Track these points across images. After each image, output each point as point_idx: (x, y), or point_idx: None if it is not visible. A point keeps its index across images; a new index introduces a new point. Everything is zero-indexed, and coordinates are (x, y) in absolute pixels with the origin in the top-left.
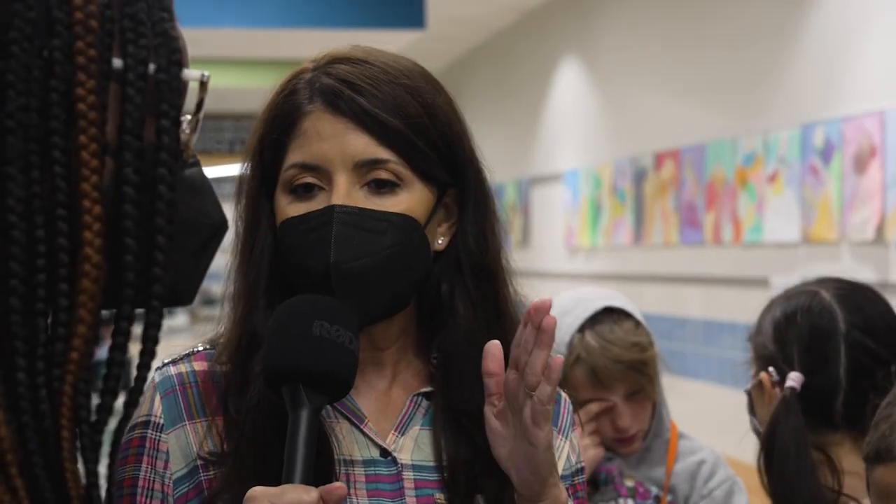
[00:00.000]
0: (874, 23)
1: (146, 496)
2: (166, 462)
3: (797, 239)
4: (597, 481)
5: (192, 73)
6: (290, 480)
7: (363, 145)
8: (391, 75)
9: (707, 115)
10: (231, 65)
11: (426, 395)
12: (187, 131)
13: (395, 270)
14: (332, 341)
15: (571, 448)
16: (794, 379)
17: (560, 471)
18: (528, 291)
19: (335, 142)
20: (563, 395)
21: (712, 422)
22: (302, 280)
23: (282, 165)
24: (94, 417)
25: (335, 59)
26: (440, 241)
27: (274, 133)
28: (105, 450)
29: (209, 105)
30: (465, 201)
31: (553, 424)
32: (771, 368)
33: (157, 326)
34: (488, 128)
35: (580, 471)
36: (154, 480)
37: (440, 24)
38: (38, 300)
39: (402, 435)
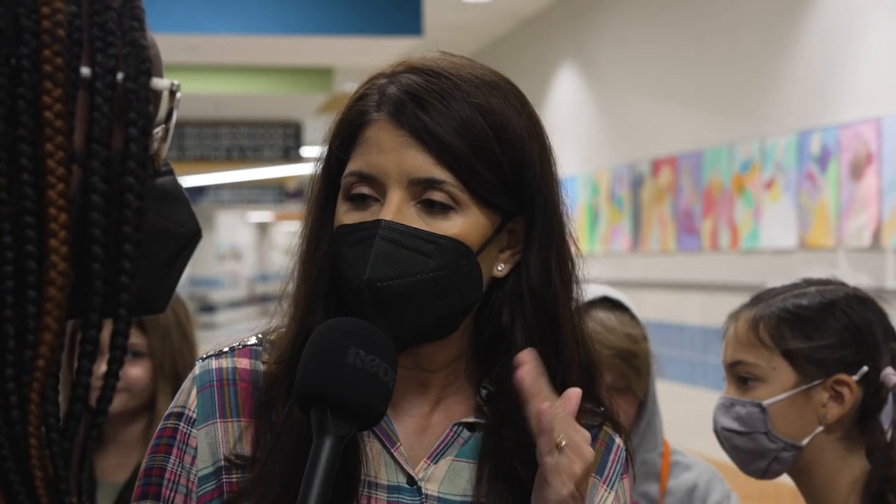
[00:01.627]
0: (871, 30)
1: (171, 489)
2: (193, 458)
3: (794, 245)
4: None
5: (161, 83)
6: None
7: (420, 163)
8: (464, 91)
9: (704, 122)
10: (228, 72)
11: (468, 426)
12: (158, 140)
13: (436, 296)
14: (366, 371)
15: (616, 500)
16: (894, 374)
17: None
18: None
19: (393, 155)
20: (618, 440)
21: (709, 429)
22: (345, 291)
23: (343, 170)
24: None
25: (409, 69)
26: (500, 268)
27: (341, 136)
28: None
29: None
30: (531, 230)
31: (598, 473)
32: (840, 374)
33: (125, 335)
34: None
35: None
36: (180, 475)
37: (437, 32)
38: (6, 307)
39: (434, 464)
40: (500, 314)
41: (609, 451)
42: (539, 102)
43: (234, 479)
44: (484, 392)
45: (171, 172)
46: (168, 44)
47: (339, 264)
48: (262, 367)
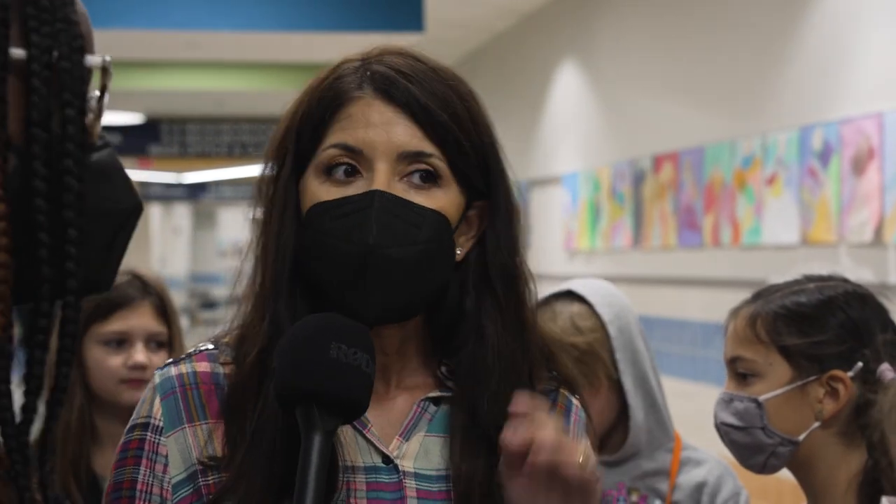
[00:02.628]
0: (872, 25)
1: (144, 500)
2: (165, 466)
3: (796, 241)
4: None
5: (94, 59)
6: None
7: (410, 136)
8: (440, 75)
9: (705, 117)
10: (229, 68)
11: (433, 401)
12: (92, 115)
13: (424, 267)
14: (349, 364)
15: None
16: (890, 370)
17: None
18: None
19: (382, 129)
20: (575, 402)
21: (712, 424)
22: (332, 265)
23: (317, 147)
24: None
25: (386, 52)
26: (458, 252)
27: (316, 114)
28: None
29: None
30: (495, 213)
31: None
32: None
33: (76, 321)
34: None
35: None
36: (153, 484)
37: (439, 28)
38: None
39: (407, 441)
40: (461, 297)
41: (569, 413)
42: (540, 98)
43: (210, 481)
44: (444, 368)
45: (107, 145)
46: (169, 40)
47: (323, 240)
48: (221, 370)
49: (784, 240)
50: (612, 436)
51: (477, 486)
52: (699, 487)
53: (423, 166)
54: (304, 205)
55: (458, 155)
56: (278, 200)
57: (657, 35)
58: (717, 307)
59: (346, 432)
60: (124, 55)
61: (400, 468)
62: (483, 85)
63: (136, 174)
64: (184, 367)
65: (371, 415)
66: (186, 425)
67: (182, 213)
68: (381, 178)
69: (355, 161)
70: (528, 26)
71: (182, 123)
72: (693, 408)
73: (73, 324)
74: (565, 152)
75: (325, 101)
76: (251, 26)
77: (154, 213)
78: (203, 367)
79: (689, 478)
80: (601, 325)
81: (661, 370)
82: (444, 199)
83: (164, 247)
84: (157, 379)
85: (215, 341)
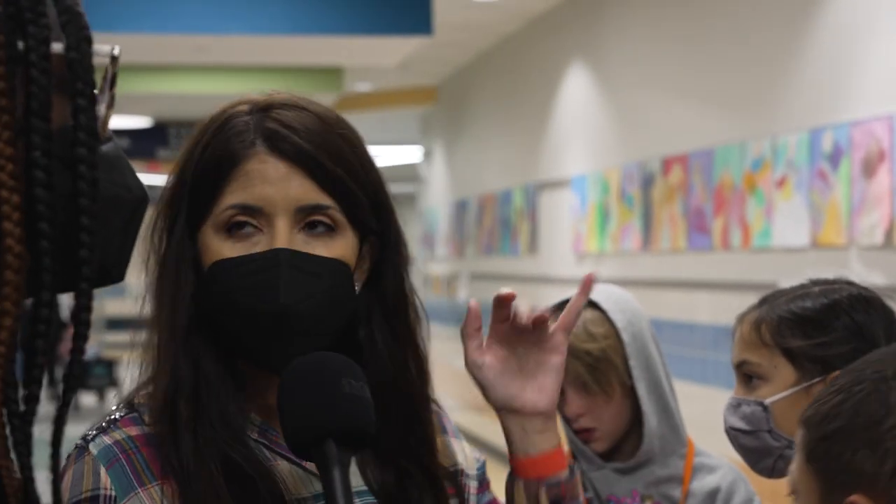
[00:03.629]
0: (882, 27)
1: None
2: None
3: (806, 244)
4: None
5: (103, 48)
6: None
7: (305, 190)
8: (328, 125)
9: (715, 119)
10: (238, 72)
11: None
12: (103, 108)
13: (331, 312)
14: (361, 397)
15: (467, 445)
16: None
17: (475, 468)
18: (536, 297)
19: (279, 185)
20: (438, 404)
21: (721, 427)
22: (244, 323)
23: (214, 204)
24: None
25: (274, 104)
26: (356, 287)
27: (209, 170)
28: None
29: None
30: (387, 247)
31: (444, 433)
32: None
33: (88, 310)
34: (496, 133)
35: (484, 465)
36: None
37: (447, 31)
38: None
39: None
40: (355, 328)
41: (440, 415)
42: (548, 101)
43: None
44: None
45: (111, 138)
46: (177, 44)
47: (232, 298)
48: (148, 430)
49: (794, 242)
50: (626, 442)
51: (395, 493)
52: (712, 494)
53: (321, 218)
54: (205, 260)
55: (352, 202)
56: (173, 255)
57: (666, 37)
58: (727, 310)
59: (282, 468)
60: (133, 59)
61: None
62: (491, 88)
63: (145, 178)
64: (116, 435)
65: None
66: (139, 489)
67: None
68: (282, 234)
69: (254, 219)
70: (537, 29)
71: (190, 127)
72: (702, 411)
73: (87, 312)
74: (574, 155)
75: (218, 159)
76: (259, 30)
77: None
78: (134, 431)
79: (702, 484)
80: (614, 332)
81: (671, 373)
82: (342, 246)
83: None
84: (93, 451)
85: (128, 404)
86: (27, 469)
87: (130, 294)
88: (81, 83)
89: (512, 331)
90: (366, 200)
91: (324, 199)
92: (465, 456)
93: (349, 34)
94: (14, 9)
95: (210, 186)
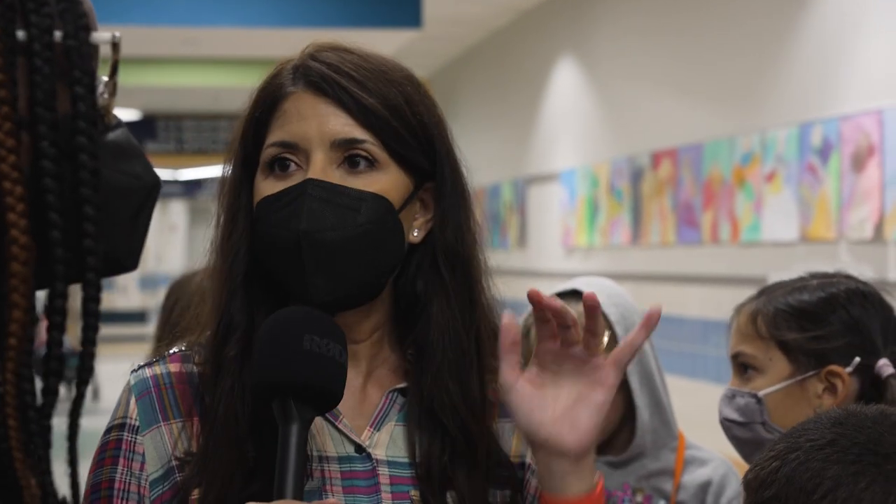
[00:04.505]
0: (872, 21)
1: (122, 498)
2: (142, 464)
3: (795, 238)
4: None
5: (102, 36)
6: (281, 495)
7: (341, 125)
8: (371, 64)
9: (704, 114)
10: (227, 64)
11: (401, 392)
12: (106, 95)
13: (367, 249)
14: (323, 355)
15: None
16: (889, 365)
17: (529, 456)
18: (525, 291)
19: (314, 121)
20: None
21: (711, 421)
22: (275, 255)
23: (261, 147)
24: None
25: (319, 48)
26: (415, 234)
27: (256, 115)
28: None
29: (205, 105)
30: (442, 194)
31: (506, 416)
32: (833, 364)
33: (97, 300)
34: (485, 127)
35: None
36: (130, 482)
37: (437, 24)
38: None
39: (378, 431)
40: (414, 280)
41: None
42: (538, 95)
43: (185, 473)
44: (410, 357)
45: (121, 125)
46: (167, 36)
47: (267, 232)
48: (195, 370)
49: (783, 237)
50: (618, 436)
51: (436, 470)
52: (703, 487)
53: (359, 152)
54: (255, 203)
55: (394, 138)
56: (230, 201)
57: (655, 31)
58: (716, 304)
59: (318, 424)
60: (122, 52)
61: (373, 457)
62: (481, 82)
63: None
64: (158, 369)
65: (342, 406)
66: (162, 423)
67: (178, 209)
68: (316, 167)
69: (293, 155)
70: (526, 23)
71: (178, 120)
72: (692, 404)
73: (95, 302)
74: (563, 149)
75: (262, 102)
76: (248, 23)
77: None
78: (176, 367)
79: (693, 477)
80: (608, 326)
81: (662, 367)
82: (384, 182)
83: (159, 243)
84: (131, 381)
85: (189, 343)
86: (45, 462)
87: (118, 288)
88: (79, 71)
89: (562, 352)
90: (411, 138)
91: (360, 133)
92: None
93: (339, 27)
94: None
95: (257, 129)
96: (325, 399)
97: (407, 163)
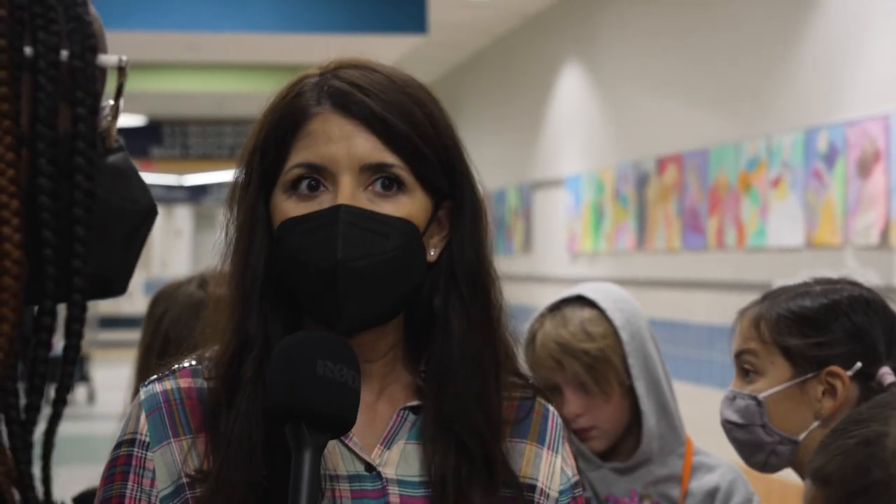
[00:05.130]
0: (877, 27)
1: None
2: (153, 480)
3: (801, 244)
4: None
5: (108, 59)
6: None
7: (371, 148)
8: (397, 84)
9: (710, 119)
10: (231, 70)
11: (413, 410)
12: (108, 118)
13: (395, 274)
14: (336, 381)
15: (564, 462)
16: (891, 374)
17: (558, 485)
18: (530, 297)
19: (343, 143)
20: (551, 409)
21: (716, 426)
22: (305, 280)
23: (283, 166)
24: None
25: (343, 65)
26: (432, 253)
27: (278, 133)
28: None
29: (209, 110)
30: (461, 212)
31: (540, 441)
32: (833, 367)
33: (81, 321)
34: (490, 133)
35: (577, 483)
36: (140, 499)
37: (442, 30)
38: None
39: (388, 449)
40: (430, 298)
41: (546, 420)
42: (543, 100)
43: (198, 493)
44: (423, 374)
45: (122, 149)
46: (170, 42)
47: (294, 255)
48: (205, 385)
49: (789, 242)
50: (624, 442)
51: (452, 488)
52: (711, 493)
53: (387, 176)
54: (275, 221)
55: (420, 162)
56: (247, 217)
57: (661, 36)
58: (722, 310)
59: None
60: (126, 62)
61: (383, 475)
62: (486, 87)
63: None
64: (168, 384)
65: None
66: (172, 440)
67: (183, 215)
68: (346, 192)
69: (320, 177)
70: (531, 28)
71: (184, 125)
72: (697, 410)
73: (79, 323)
74: (568, 154)
75: (286, 120)
76: (252, 28)
77: None
78: (186, 382)
79: (700, 484)
80: (613, 331)
81: (669, 372)
82: (410, 206)
83: (165, 249)
84: (142, 396)
85: (198, 357)
86: (27, 476)
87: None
88: (83, 92)
89: None
90: (435, 160)
91: (389, 158)
92: (551, 472)
93: (343, 32)
94: (23, 14)
95: (278, 148)
96: (339, 425)
97: (430, 185)
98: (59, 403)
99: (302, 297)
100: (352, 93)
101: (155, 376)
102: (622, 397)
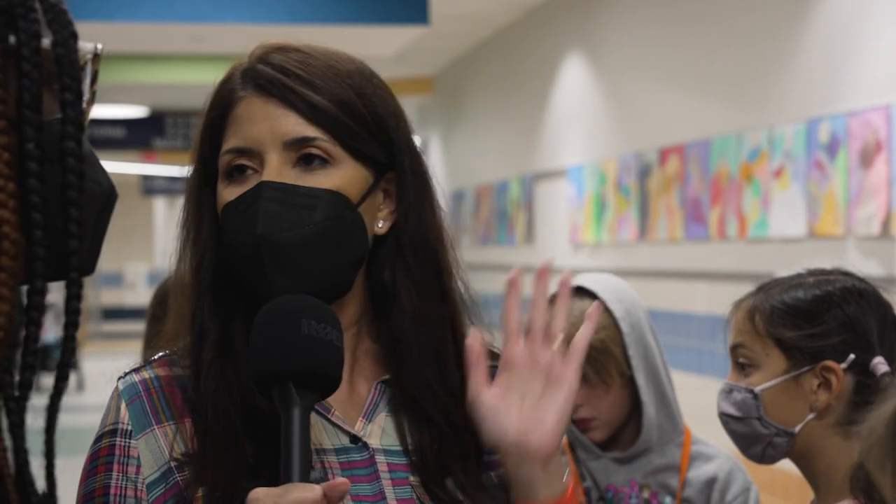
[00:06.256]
0: (879, 17)
1: (119, 503)
2: (138, 467)
3: (803, 234)
4: (605, 499)
5: (85, 46)
6: (289, 479)
7: (292, 125)
8: (321, 61)
9: (712, 110)
10: (234, 61)
11: (387, 382)
12: (84, 103)
13: (327, 246)
14: (321, 339)
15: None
16: (884, 363)
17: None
18: (532, 288)
19: (265, 124)
20: None
21: (717, 417)
22: (237, 260)
23: (219, 154)
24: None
25: (267, 49)
26: (380, 225)
27: (213, 122)
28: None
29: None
30: (402, 183)
31: None
32: (829, 361)
33: (78, 298)
34: (492, 124)
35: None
36: (126, 487)
37: (444, 21)
38: None
39: (370, 422)
40: (382, 272)
41: None
42: (545, 91)
43: (185, 476)
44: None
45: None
46: (173, 33)
47: (229, 238)
48: (181, 371)
49: (791, 233)
50: (624, 432)
51: (429, 456)
52: (709, 483)
53: (311, 150)
54: (219, 209)
55: (347, 133)
56: (192, 206)
57: (663, 27)
58: (724, 300)
59: (311, 418)
60: (128, 48)
61: (369, 446)
62: (488, 78)
63: (141, 168)
64: (146, 373)
65: (332, 399)
66: (155, 426)
67: None
68: (271, 169)
69: (249, 160)
70: (533, 19)
71: (186, 117)
72: (699, 401)
73: (77, 300)
74: (571, 145)
75: (217, 108)
76: (256, 19)
77: (158, 207)
78: (164, 371)
79: (699, 473)
80: (613, 322)
81: (668, 363)
82: (339, 178)
83: (168, 240)
84: (120, 386)
85: (171, 348)
86: (22, 452)
87: (127, 284)
88: (69, 78)
89: (526, 353)
90: (364, 132)
91: (311, 132)
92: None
93: (346, 24)
94: (5, 4)
95: (213, 137)
96: (325, 383)
97: (363, 156)
98: (62, 379)
99: (239, 278)
100: (271, 74)
101: (130, 368)
102: (622, 388)
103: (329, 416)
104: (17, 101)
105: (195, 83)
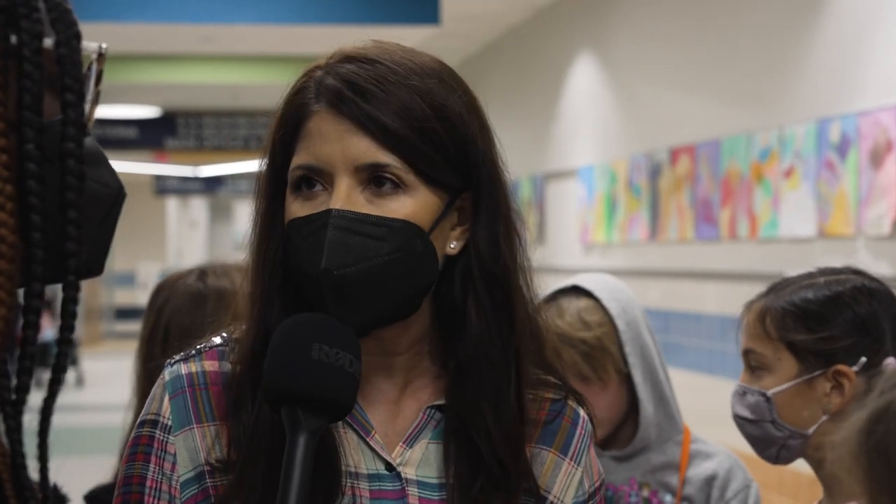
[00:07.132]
0: (890, 17)
1: (154, 496)
2: (173, 464)
3: (813, 234)
4: (604, 498)
5: (89, 46)
6: None
7: (364, 149)
8: (400, 75)
9: (722, 110)
10: (244, 61)
11: (439, 408)
12: (88, 104)
13: (393, 278)
14: (331, 365)
15: (585, 474)
16: (894, 363)
17: (571, 499)
18: (543, 288)
19: (337, 145)
20: (582, 413)
21: (729, 417)
22: (302, 281)
23: (289, 164)
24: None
25: (344, 58)
26: (453, 246)
27: (284, 129)
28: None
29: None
30: (478, 206)
31: (563, 451)
32: (841, 364)
33: (75, 301)
34: (503, 124)
35: (595, 493)
36: (161, 482)
37: (455, 21)
38: None
39: (410, 448)
40: (453, 290)
41: (575, 427)
42: (556, 92)
43: (218, 483)
44: (453, 371)
45: (88, 134)
46: (184, 33)
47: (295, 257)
48: (229, 368)
49: (801, 233)
50: (622, 430)
51: (467, 492)
52: (709, 480)
53: (383, 174)
54: (286, 219)
55: (420, 160)
56: (265, 212)
57: (673, 27)
58: (735, 301)
59: (350, 438)
60: (140, 49)
61: (402, 476)
62: (498, 78)
63: (153, 168)
64: (193, 366)
65: (377, 421)
66: (195, 425)
67: (199, 206)
68: (340, 194)
69: (319, 177)
70: (544, 19)
71: (198, 117)
72: (710, 401)
73: (74, 302)
74: (581, 145)
75: (289, 117)
76: (266, 19)
77: (171, 207)
78: (212, 366)
79: (698, 471)
80: (609, 320)
81: (678, 364)
82: (412, 205)
83: (180, 240)
84: (166, 377)
85: (227, 336)
86: (19, 456)
87: (139, 284)
88: (71, 78)
89: None
90: (440, 157)
91: (384, 158)
92: (567, 485)
93: (357, 24)
94: (7, 3)
95: (285, 146)
96: (334, 409)
97: (436, 182)
98: (54, 384)
99: (305, 295)
100: (344, 92)
101: (180, 355)
102: (619, 385)
103: (368, 440)
104: (17, 102)
105: (207, 83)
